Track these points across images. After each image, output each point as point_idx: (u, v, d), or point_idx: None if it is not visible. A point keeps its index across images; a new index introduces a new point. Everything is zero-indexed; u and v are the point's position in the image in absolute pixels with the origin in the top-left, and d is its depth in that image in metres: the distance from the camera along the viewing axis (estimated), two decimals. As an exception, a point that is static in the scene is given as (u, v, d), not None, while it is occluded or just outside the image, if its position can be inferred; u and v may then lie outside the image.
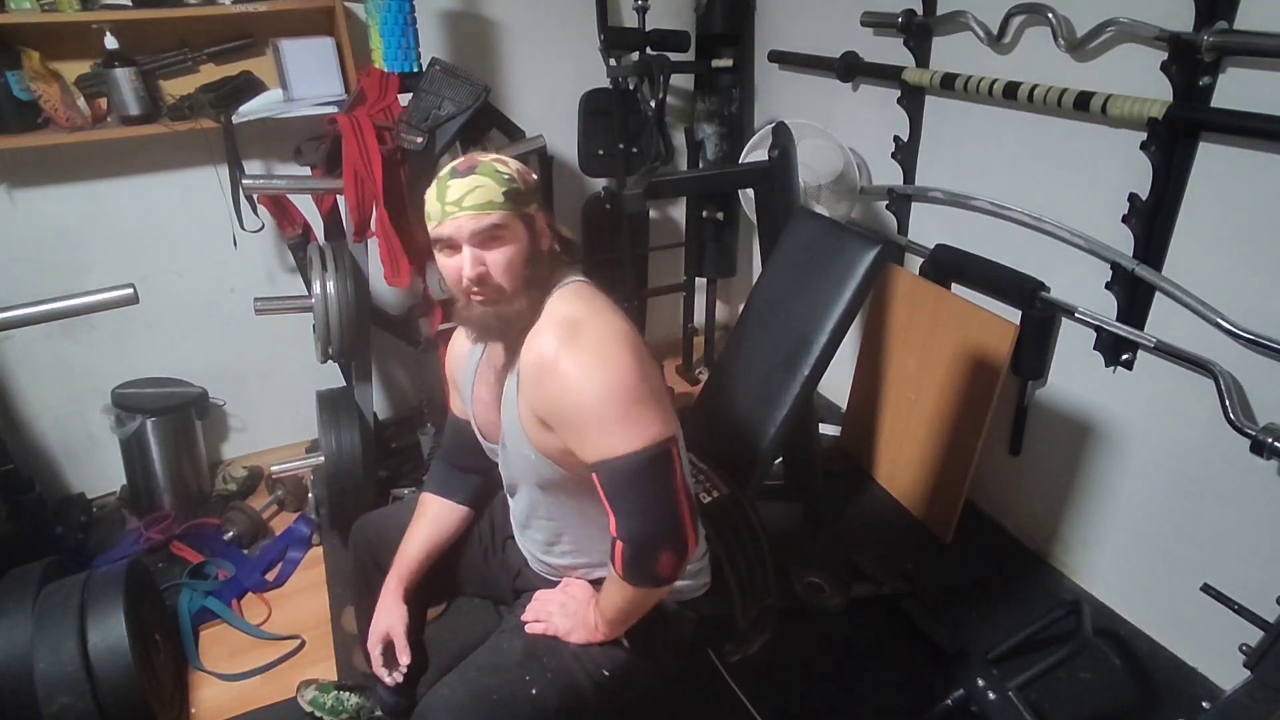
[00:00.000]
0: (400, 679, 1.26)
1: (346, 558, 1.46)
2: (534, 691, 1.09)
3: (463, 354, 1.23)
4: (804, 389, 1.45)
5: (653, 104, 2.39)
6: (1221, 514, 1.61)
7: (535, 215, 1.05)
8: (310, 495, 2.33)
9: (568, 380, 0.98)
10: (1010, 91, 1.75)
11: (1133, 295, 1.66)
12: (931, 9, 1.99)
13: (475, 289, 1.02)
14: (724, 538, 1.29)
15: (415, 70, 2.00)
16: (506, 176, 1.02)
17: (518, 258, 1.02)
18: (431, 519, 1.31)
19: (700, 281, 2.90)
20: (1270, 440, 1.39)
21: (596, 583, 1.21)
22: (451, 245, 1.01)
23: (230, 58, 2.15)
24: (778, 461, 2.12)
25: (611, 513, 1.01)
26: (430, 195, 1.02)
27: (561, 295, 1.07)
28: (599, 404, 0.97)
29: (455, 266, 1.01)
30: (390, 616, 1.25)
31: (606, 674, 1.14)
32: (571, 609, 1.17)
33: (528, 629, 1.16)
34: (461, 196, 0.99)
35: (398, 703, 1.53)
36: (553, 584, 1.24)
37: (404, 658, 1.24)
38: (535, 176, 1.07)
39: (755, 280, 1.75)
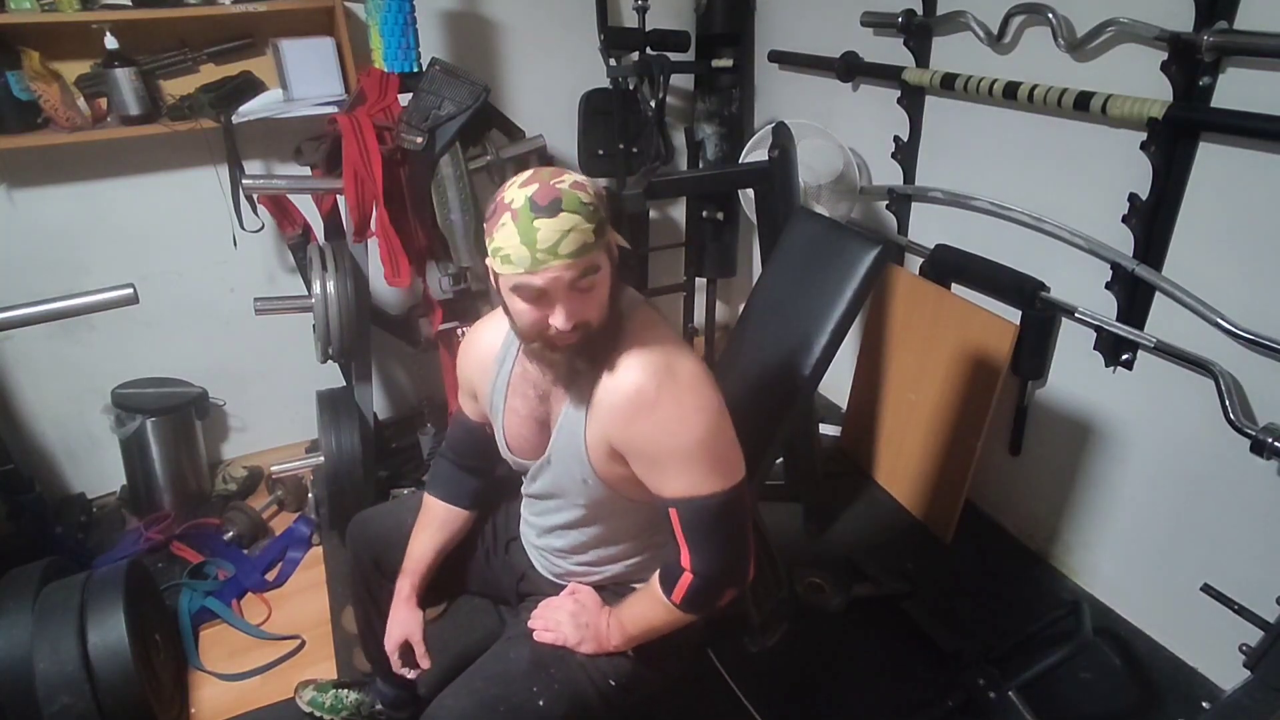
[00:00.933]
0: (418, 674, 1.26)
1: (346, 557, 1.45)
2: (541, 703, 1.08)
3: (485, 361, 1.16)
4: (804, 389, 1.44)
5: (653, 104, 2.39)
6: (1221, 514, 1.61)
7: (613, 243, 0.97)
8: (310, 495, 2.33)
9: (669, 421, 0.97)
10: (1010, 91, 1.75)
11: (1133, 295, 1.66)
12: (931, 9, 1.99)
13: (565, 334, 0.93)
14: None
15: (415, 70, 2.00)
16: (593, 208, 0.91)
17: (609, 293, 0.96)
18: (439, 525, 1.30)
19: (700, 281, 2.89)
20: (1270, 440, 1.39)
21: (601, 589, 1.21)
22: (543, 296, 0.92)
23: (230, 58, 2.15)
24: (778, 461, 2.12)
25: (687, 547, 1.02)
26: (510, 235, 0.88)
27: (640, 322, 1.02)
28: (697, 446, 0.97)
29: (540, 317, 0.93)
30: (406, 623, 1.24)
31: (614, 684, 1.14)
32: (583, 619, 1.16)
33: (535, 637, 1.15)
34: (557, 242, 0.88)
35: (397, 696, 1.53)
36: (559, 587, 1.24)
37: (425, 662, 1.23)
38: (604, 199, 0.96)
39: (755, 280, 1.75)
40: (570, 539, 1.20)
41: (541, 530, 1.24)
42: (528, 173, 0.94)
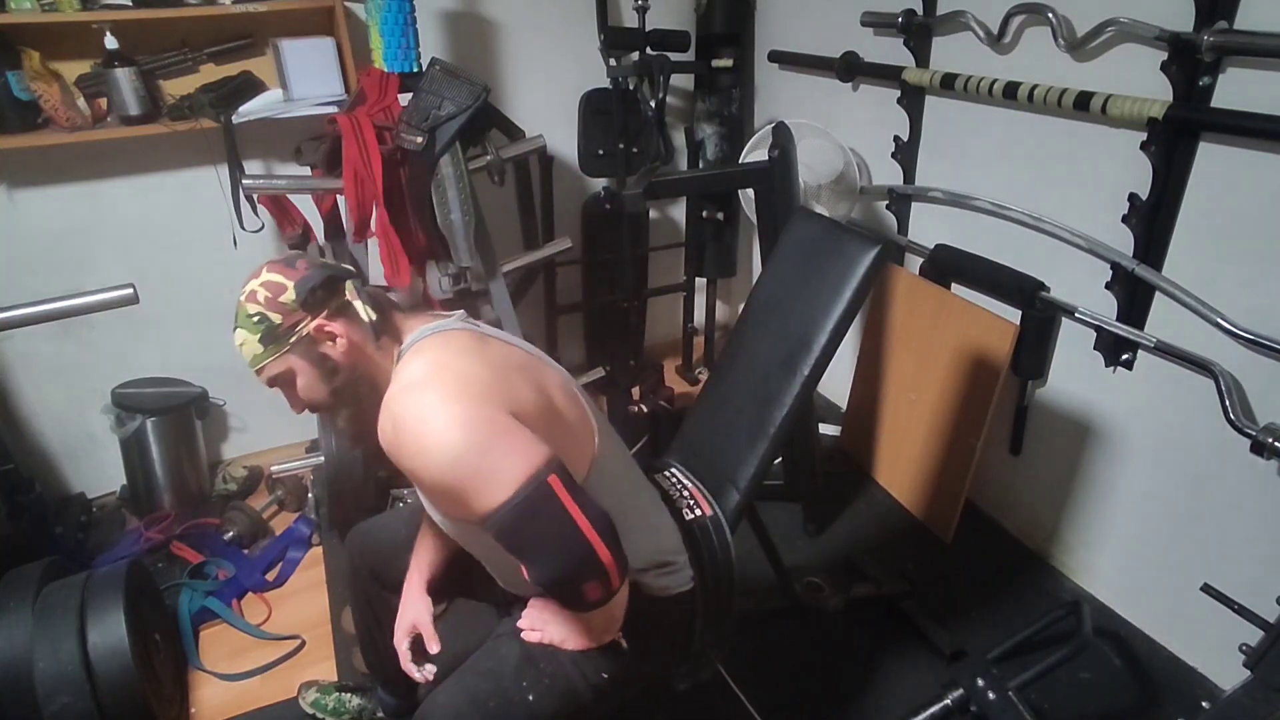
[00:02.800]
0: (432, 675, 1.22)
1: (345, 568, 1.45)
2: (531, 698, 1.09)
3: None
4: (804, 389, 1.44)
5: (653, 104, 2.39)
6: (1221, 514, 1.61)
7: (308, 335, 1.00)
8: (310, 495, 2.33)
9: (417, 459, 0.92)
10: (1010, 91, 1.75)
11: (1133, 295, 1.66)
12: (931, 9, 1.99)
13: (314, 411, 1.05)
14: (700, 560, 1.27)
15: (415, 70, 2.00)
16: (256, 319, 0.99)
17: (312, 384, 1.03)
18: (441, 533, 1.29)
19: (700, 281, 2.90)
20: (1270, 440, 1.39)
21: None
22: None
23: (230, 58, 2.15)
24: (778, 461, 2.12)
25: (520, 562, 0.96)
26: None
27: (403, 365, 1.02)
28: (452, 475, 0.91)
29: None
30: (415, 609, 1.24)
31: (605, 677, 1.14)
32: (566, 615, 1.15)
33: (523, 636, 1.15)
34: (240, 353, 1.03)
35: (398, 704, 1.54)
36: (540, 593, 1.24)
37: (434, 646, 1.20)
38: (291, 287, 0.99)
39: (755, 280, 1.75)
40: (493, 567, 1.21)
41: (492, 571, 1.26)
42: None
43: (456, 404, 0.93)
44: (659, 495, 1.33)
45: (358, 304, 1.03)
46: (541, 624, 1.15)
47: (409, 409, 0.93)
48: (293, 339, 1.00)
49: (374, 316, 1.03)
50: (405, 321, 1.08)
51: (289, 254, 1.06)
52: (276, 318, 0.99)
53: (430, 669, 1.22)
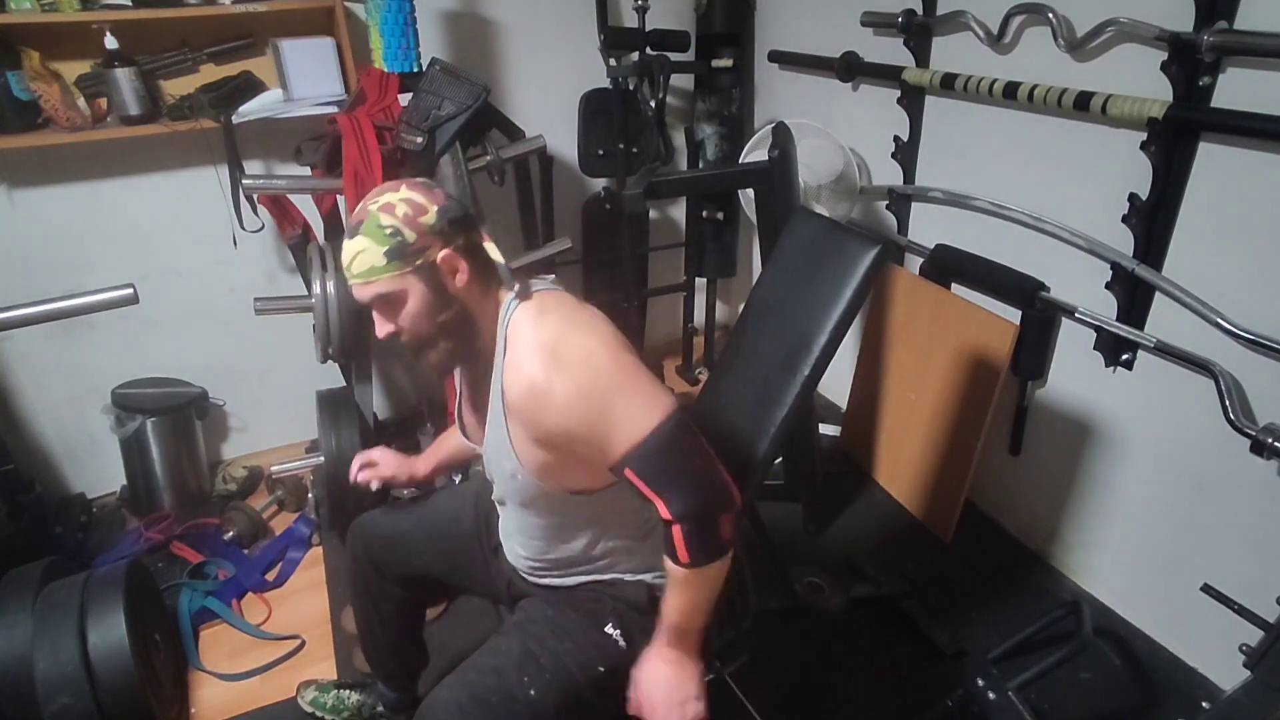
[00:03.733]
0: (374, 484, 1.39)
1: (345, 560, 1.46)
2: (532, 693, 1.09)
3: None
4: (804, 389, 1.44)
5: (653, 104, 2.39)
6: (1221, 514, 1.61)
7: (434, 260, 0.99)
8: (310, 495, 2.33)
9: (572, 400, 0.96)
10: (1010, 91, 1.75)
11: (1133, 295, 1.66)
12: (931, 9, 1.99)
13: (398, 342, 1.04)
14: None
15: (415, 70, 2.00)
16: (389, 231, 0.96)
17: (421, 311, 1.01)
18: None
19: (700, 281, 2.90)
20: (1270, 440, 1.39)
21: (578, 587, 1.20)
22: (364, 306, 1.03)
23: (230, 58, 2.15)
24: (778, 461, 2.12)
25: (658, 499, 0.99)
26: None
27: (523, 315, 1.04)
28: (603, 405, 0.97)
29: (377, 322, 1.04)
30: (391, 456, 1.41)
31: (602, 670, 1.14)
32: (662, 674, 1.07)
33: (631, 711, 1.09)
34: (350, 262, 0.98)
35: (399, 699, 1.54)
36: (544, 590, 1.24)
37: (364, 479, 1.38)
38: (434, 210, 0.99)
39: (755, 280, 1.75)
40: (525, 541, 1.21)
41: (507, 535, 1.26)
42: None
43: (602, 347, 1.00)
44: None
45: (489, 244, 1.05)
46: (648, 701, 1.08)
47: (564, 351, 0.98)
48: (419, 261, 0.98)
49: (502, 260, 1.06)
50: (511, 278, 1.09)
51: (424, 179, 1.06)
52: (411, 235, 0.97)
53: (370, 476, 1.38)
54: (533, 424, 1.01)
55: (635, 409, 0.98)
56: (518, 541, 1.23)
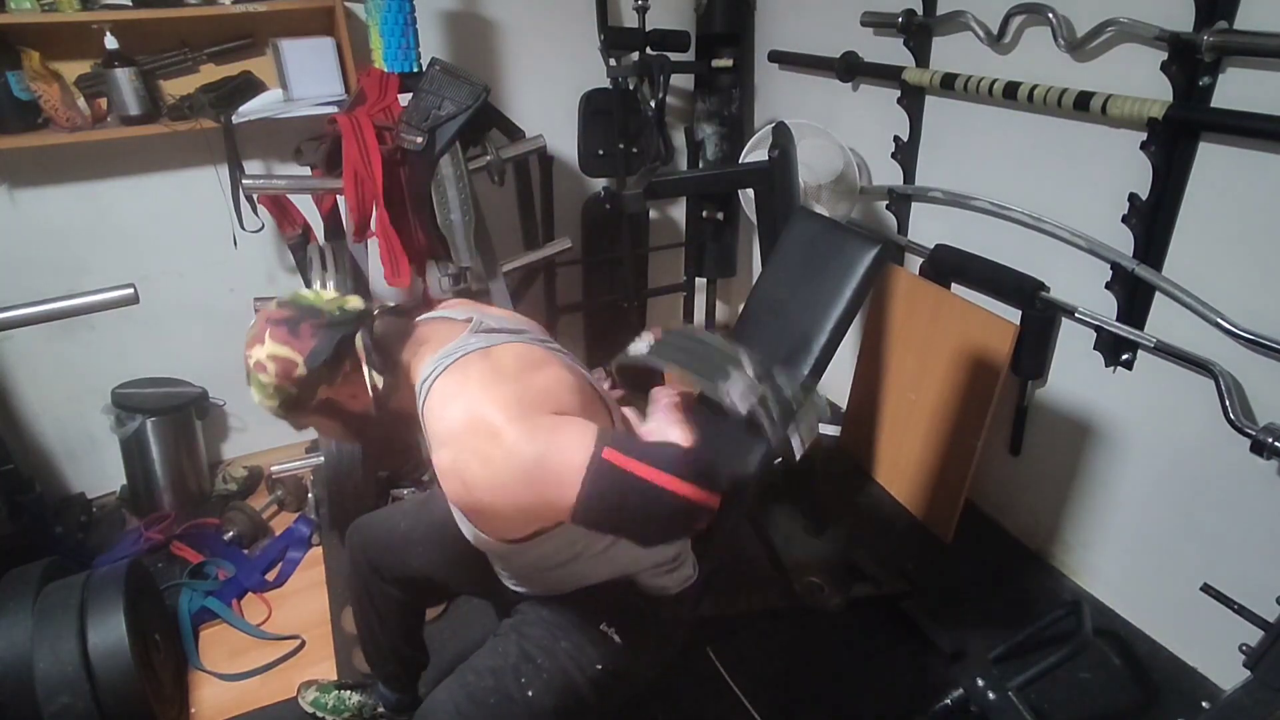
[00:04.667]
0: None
1: (344, 559, 1.46)
2: (530, 694, 1.09)
3: None
4: (804, 389, 1.44)
5: (653, 104, 2.39)
6: (1221, 514, 1.61)
7: (325, 400, 1.01)
8: (310, 495, 2.33)
9: (493, 496, 0.92)
10: (1010, 91, 1.75)
11: (1133, 295, 1.66)
12: (931, 9, 1.99)
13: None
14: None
15: (415, 70, 2.00)
16: (270, 390, 0.99)
17: (344, 432, 1.08)
18: None
19: (700, 281, 2.90)
20: (1270, 440, 1.39)
21: (582, 591, 1.18)
22: None
23: (230, 58, 2.15)
24: (777, 461, 2.12)
25: (631, 541, 1.02)
26: None
27: (433, 412, 0.98)
28: (528, 489, 0.91)
29: None
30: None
31: (600, 668, 1.14)
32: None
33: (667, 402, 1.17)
34: (259, 405, 1.04)
35: (399, 699, 1.54)
36: (539, 596, 1.23)
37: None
38: (301, 361, 0.97)
39: (755, 280, 1.75)
40: (508, 577, 1.22)
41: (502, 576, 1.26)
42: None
43: (505, 431, 0.91)
44: None
45: (367, 371, 1.02)
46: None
47: (469, 459, 0.91)
48: (312, 403, 1.02)
49: (381, 383, 1.02)
50: (417, 351, 1.05)
51: (286, 308, 1.01)
52: (292, 389, 0.99)
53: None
54: (467, 510, 0.99)
55: (553, 478, 0.90)
56: (502, 576, 1.24)
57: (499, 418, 0.92)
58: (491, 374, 0.99)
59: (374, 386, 1.02)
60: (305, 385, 0.99)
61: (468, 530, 1.08)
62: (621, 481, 0.90)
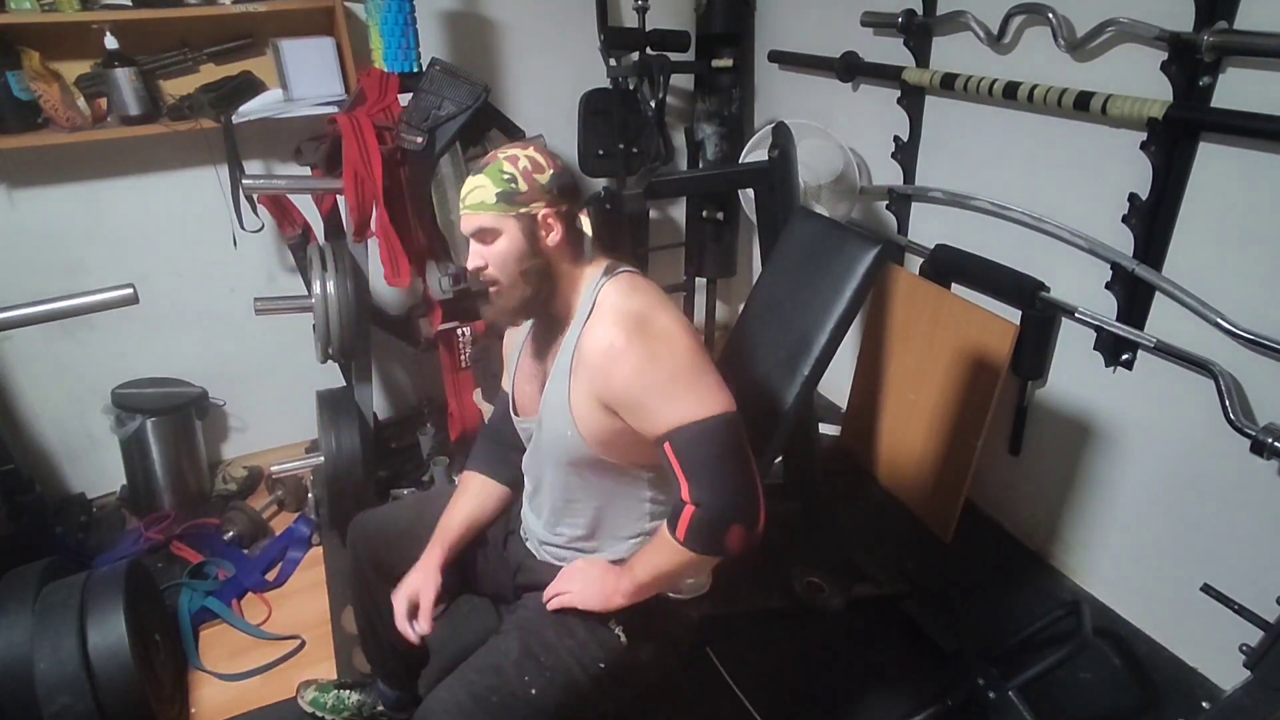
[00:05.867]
0: (418, 638, 1.24)
1: (345, 557, 1.45)
2: (533, 692, 1.09)
3: (518, 330, 1.29)
4: (804, 389, 1.44)
5: (653, 104, 2.39)
6: (1221, 514, 1.61)
7: (536, 214, 1.10)
8: (310, 495, 2.33)
9: (642, 363, 1.03)
10: (1010, 91, 1.75)
11: (1133, 295, 1.66)
12: (931, 9, 1.99)
13: (479, 278, 1.13)
14: None
15: (415, 70, 2.00)
16: (507, 177, 1.08)
17: (510, 254, 1.10)
18: (474, 495, 1.33)
19: (700, 281, 2.90)
20: (1270, 440, 1.39)
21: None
22: (465, 241, 1.14)
23: (230, 58, 2.15)
24: (777, 461, 2.12)
25: (686, 481, 1.03)
26: None
27: (615, 287, 1.13)
28: (670, 380, 1.04)
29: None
30: (423, 578, 1.24)
31: (603, 666, 1.14)
32: (593, 574, 1.17)
33: (549, 607, 1.17)
34: (467, 194, 1.10)
35: (398, 698, 1.54)
36: (557, 569, 1.25)
37: (425, 626, 1.22)
38: (550, 173, 1.11)
39: (755, 280, 1.75)
40: (562, 514, 1.22)
41: (538, 510, 1.27)
42: None
43: (683, 332, 1.08)
44: None
45: (585, 220, 1.16)
46: (566, 588, 1.17)
47: (650, 323, 1.07)
48: (523, 209, 1.09)
49: (590, 235, 1.17)
50: (600, 257, 1.19)
51: (551, 147, 1.20)
52: (523, 186, 1.09)
53: (421, 626, 1.23)
54: (600, 382, 1.07)
55: (696, 394, 1.04)
56: (540, 506, 1.25)
57: (680, 321, 1.10)
58: (673, 303, 1.16)
59: (582, 231, 1.16)
60: (534, 187, 1.09)
61: (571, 441, 1.12)
62: (737, 444, 1.05)
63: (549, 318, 1.17)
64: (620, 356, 1.04)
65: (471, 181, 1.10)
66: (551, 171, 1.11)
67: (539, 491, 1.25)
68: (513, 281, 1.12)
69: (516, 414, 1.26)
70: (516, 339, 1.29)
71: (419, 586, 1.24)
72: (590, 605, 1.14)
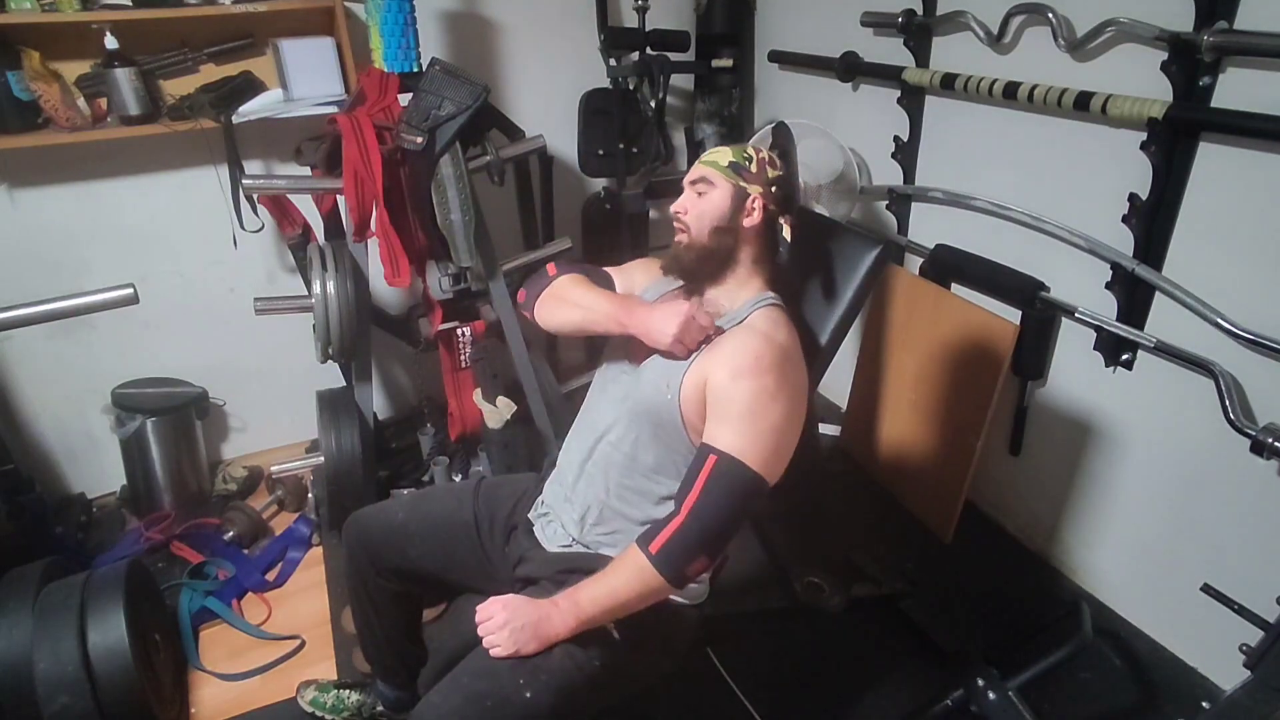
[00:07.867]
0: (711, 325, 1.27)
1: (342, 552, 1.45)
2: (528, 694, 1.08)
3: (656, 271, 1.38)
4: (804, 389, 1.44)
5: (653, 104, 2.39)
6: (1221, 514, 1.61)
7: (751, 195, 1.24)
8: (310, 495, 2.33)
9: (763, 391, 1.11)
10: (1010, 91, 1.75)
11: (1133, 295, 1.66)
12: (931, 9, 1.99)
13: (676, 218, 1.27)
14: None
15: (415, 70, 2.00)
16: (745, 156, 1.25)
17: (711, 212, 1.24)
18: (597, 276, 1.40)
19: (700, 281, 2.89)
20: (1270, 440, 1.39)
21: (575, 573, 1.19)
22: (684, 187, 1.28)
23: (230, 58, 2.15)
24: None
25: (700, 492, 1.09)
26: None
27: (773, 314, 1.22)
28: (767, 422, 1.11)
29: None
30: (676, 304, 1.22)
31: (599, 665, 1.14)
32: (517, 623, 1.10)
33: (491, 655, 1.10)
34: (709, 153, 1.28)
35: (398, 697, 1.54)
36: (559, 558, 1.25)
37: (706, 319, 1.22)
38: (778, 174, 1.27)
39: (755, 280, 1.75)
40: (627, 470, 1.24)
41: (590, 478, 1.27)
42: None
43: (798, 389, 1.17)
44: None
45: (785, 229, 1.27)
46: (494, 643, 1.10)
47: (792, 372, 1.16)
48: (741, 183, 1.24)
49: (780, 247, 1.28)
50: (770, 276, 1.30)
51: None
52: (754, 169, 1.25)
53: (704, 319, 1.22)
54: (723, 373, 1.14)
55: (769, 447, 1.11)
56: (593, 473, 1.27)
57: (800, 380, 1.20)
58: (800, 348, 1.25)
59: (779, 236, 1.27)
60: (760, 174, 1.25)
61: (665, 405, 1.19)
62: (749, 500, 1.12)
63: (706, 294, 1.27)
64: (756, 370, 1.12)
65: (718, 147, 1.28)
66: (780, 174, 1.27)
67: (599, 446, 1.27)
68: (700, 235, 1.24)
69: (627, 353, 1.30)
70: (654, 275, 1.38)
71: (687, 306, 1.20)
72: (526, 649, 1.09)
